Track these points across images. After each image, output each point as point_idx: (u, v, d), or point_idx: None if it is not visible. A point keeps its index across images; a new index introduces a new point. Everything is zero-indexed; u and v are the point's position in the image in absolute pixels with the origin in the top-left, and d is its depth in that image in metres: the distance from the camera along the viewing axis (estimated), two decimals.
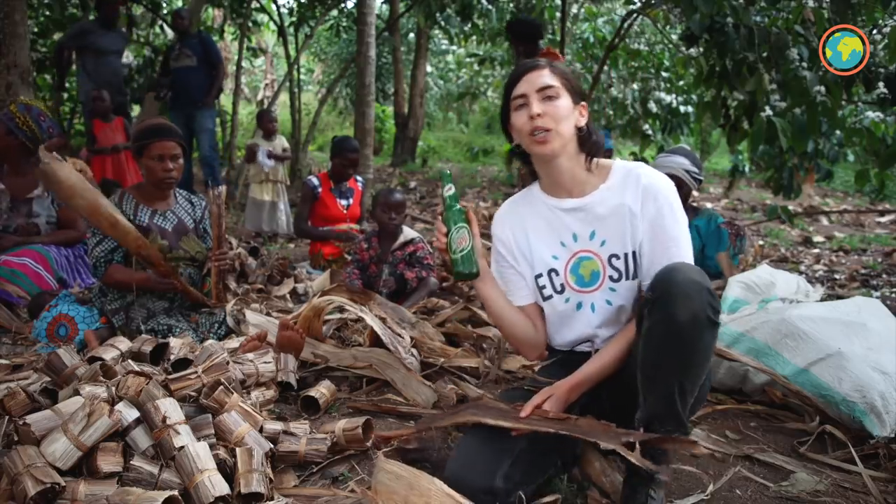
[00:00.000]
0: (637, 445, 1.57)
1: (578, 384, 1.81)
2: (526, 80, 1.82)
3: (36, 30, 9.39)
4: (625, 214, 1.82)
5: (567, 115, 1.80)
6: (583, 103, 1.86)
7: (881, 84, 4.33)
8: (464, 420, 1.85)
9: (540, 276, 1.94)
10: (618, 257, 1.85)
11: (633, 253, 1.84)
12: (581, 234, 1.88)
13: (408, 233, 3.80)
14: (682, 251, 1.81)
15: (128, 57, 11.72)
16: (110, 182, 6.05)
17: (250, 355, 2.51)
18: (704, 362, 1.63)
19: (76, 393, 1.96)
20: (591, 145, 1.87)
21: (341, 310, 3.17)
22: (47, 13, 9.47)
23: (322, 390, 2.41)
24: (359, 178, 5.15)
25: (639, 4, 7.15)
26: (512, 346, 2.24)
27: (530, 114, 1.78)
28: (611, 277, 1.87)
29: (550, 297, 1.95)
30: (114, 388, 1.96)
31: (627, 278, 1.86)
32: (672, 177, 3.28)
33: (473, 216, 1.89)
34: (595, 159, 1.89)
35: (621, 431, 1.64)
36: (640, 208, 1.81)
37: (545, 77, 1.80)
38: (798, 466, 2.13)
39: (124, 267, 3.01)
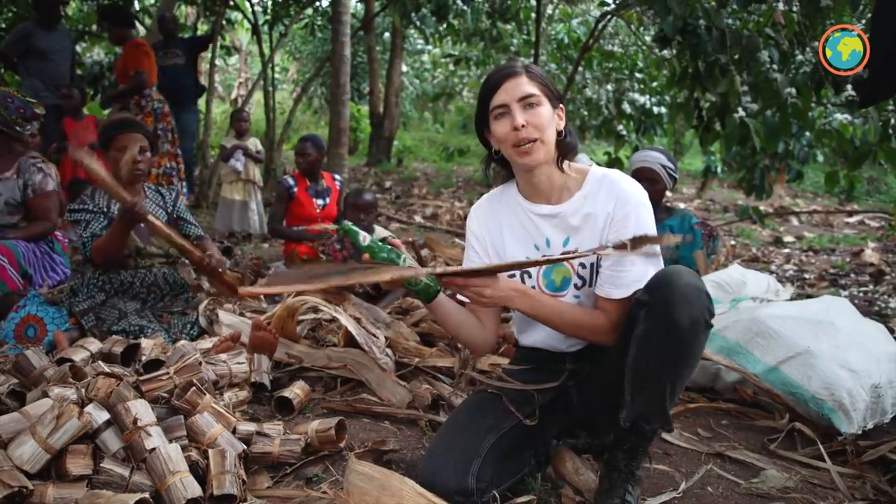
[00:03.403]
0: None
1: (527, 293, 1.76)
2: (504, 89, 1.75)
3: (3, 25, 9.21)
4: (597, 223, 1.81)
5: (549, 122, 1.76)
6: (560, 106, 1.83)
7: (849, 87, 4.40)
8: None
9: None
10: (584, 266, 1.85)
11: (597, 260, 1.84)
12: (555, 240, 1.87)
13: (380, 232, 3.79)
14: None
15: (99, 55, 11.56)
16: (82, 181, 5.92)
17: (223, 356, 2.49)
18: (696, 363, 1.66)
19: (45, 395, 1.92)
20: (565, 146, 1.84)
21: (315, 310, 3.15)
22: (14, 9, 9.29)
23: (296, 391, 2.40)
24: (337, 177, 5.13)
25: (613, 6, 7.21)
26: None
27: (514, 124, 1.73)
28: (575, 285, 1.87)
29: None
30: (83, 390, 1.93)
31: (590, 286, 1.86)
32: (648, 171, 3.31)
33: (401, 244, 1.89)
34: (568, 162, 1.87)
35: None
36: (611, 212, 1.79)
37: (524, 85, 1.75)
38: (768, 463, 2.16)
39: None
